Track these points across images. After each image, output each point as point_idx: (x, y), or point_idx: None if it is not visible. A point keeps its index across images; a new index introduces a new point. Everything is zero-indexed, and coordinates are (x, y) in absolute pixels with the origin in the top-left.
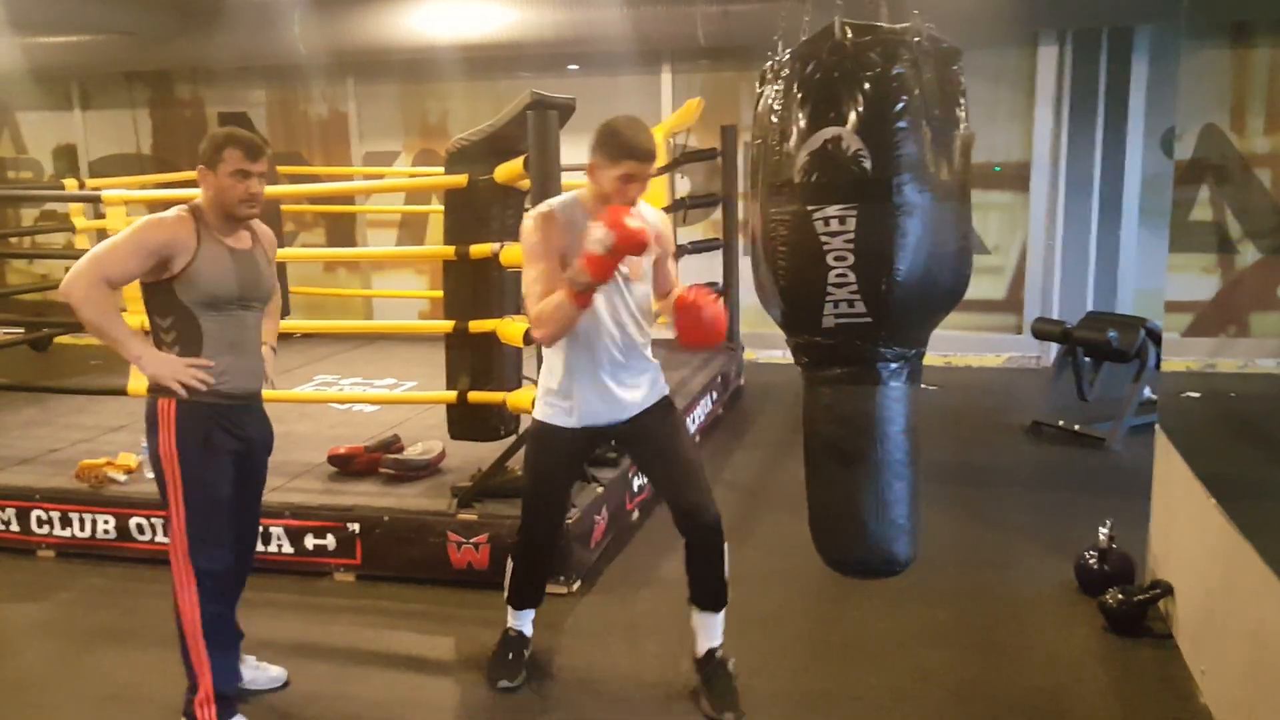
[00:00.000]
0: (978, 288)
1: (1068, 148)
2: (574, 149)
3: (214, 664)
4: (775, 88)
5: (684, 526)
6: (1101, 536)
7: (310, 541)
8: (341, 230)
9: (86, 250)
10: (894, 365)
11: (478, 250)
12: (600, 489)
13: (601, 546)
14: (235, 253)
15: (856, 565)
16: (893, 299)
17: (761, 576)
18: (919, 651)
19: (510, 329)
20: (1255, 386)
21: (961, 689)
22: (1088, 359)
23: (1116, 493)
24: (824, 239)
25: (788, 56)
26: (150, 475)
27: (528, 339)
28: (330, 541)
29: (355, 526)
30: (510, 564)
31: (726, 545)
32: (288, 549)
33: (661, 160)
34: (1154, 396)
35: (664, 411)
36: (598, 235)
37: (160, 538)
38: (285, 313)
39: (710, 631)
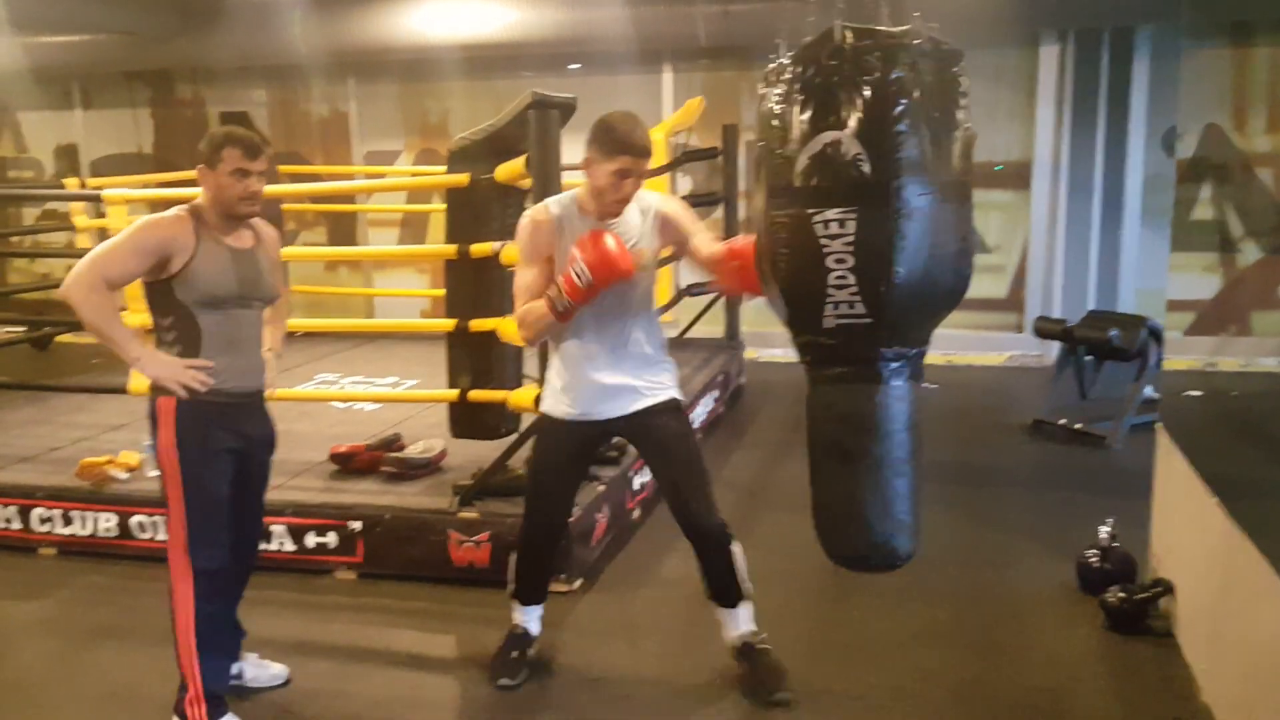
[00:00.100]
0: (979, 286)
1: (1069, 147)
2: (575, 148)
3: (204, 663)
4: (777, 90)
5: (686, 532)
6: (1102, 535)
7: (311, 539)
8: (343, 229)
9: (87, 249)
10: (895, 364)
11: (479, 249)
12: (601, 487)
13: (602, 545)
14: (235, 252)
15: (858, 560)
16: (892, 300)
17: (761, 576)
18: (919, 651)
19: (511, 328)
20: (1256, 385)
21: (962, 688)
22: (1089, 358)
23: (1117, 492)
24: (824, 241)
25: (789, 59)
26: (152, 473)
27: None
28: (331, 539)
29: (357, 525)
30: (513, 557)
31: (737, 545)
32: (289, 547)
33: (663, 160)
34: (1155, 395)
35: (670, 414)
36: (577, 268)
37: (161, 536)
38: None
39: (736, 623)
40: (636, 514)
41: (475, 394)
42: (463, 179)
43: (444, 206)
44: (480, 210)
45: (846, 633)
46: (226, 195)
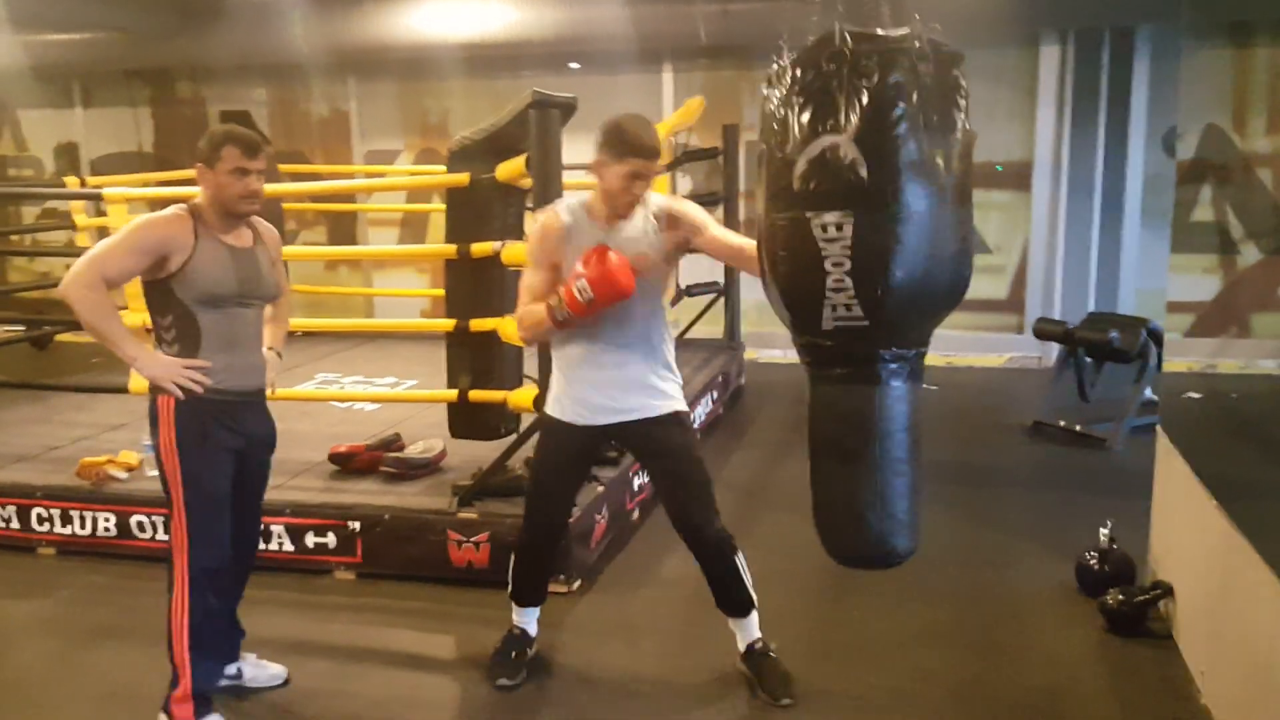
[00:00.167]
0: (979, 287)
1: (1069, 147)
2: (575, 148)
3: (195, 663)
4: (777, 93)
5: (688, 543)
6: (1102, 537)
7: (311, 539)
8: (343, 229)
9: (88, 248)
10: (893, 365)
11: (479, 249)
12: (600, 488)
13: (602, 546)
14: (235, 250)
15: (858, 559)
16: (889, 304)
17: (761, 576)
18: (919, 651)
19: (511, 327)
20: (1256, 387)
21: (961, 689)
22: (1089, 359)
23: (1117, 493)
24: (822, 245)
25: (788, 62)
26: (152, 473)
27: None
28: (331, 539)
29: (356, 525)
30: (513, 558)
31: (740, 557)
32: (288, 547)
33: (663, 159)
34: (1155, 397)
35: (673, 426)
36: (579, 285)
37: (161, 535)
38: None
39: (745, 631)
40: (635, 515)
41: (475, 394)
42: (463, 178)
43: (444, 206)
44: (481, 210)
45: (846, 633)
46: (226, 194)
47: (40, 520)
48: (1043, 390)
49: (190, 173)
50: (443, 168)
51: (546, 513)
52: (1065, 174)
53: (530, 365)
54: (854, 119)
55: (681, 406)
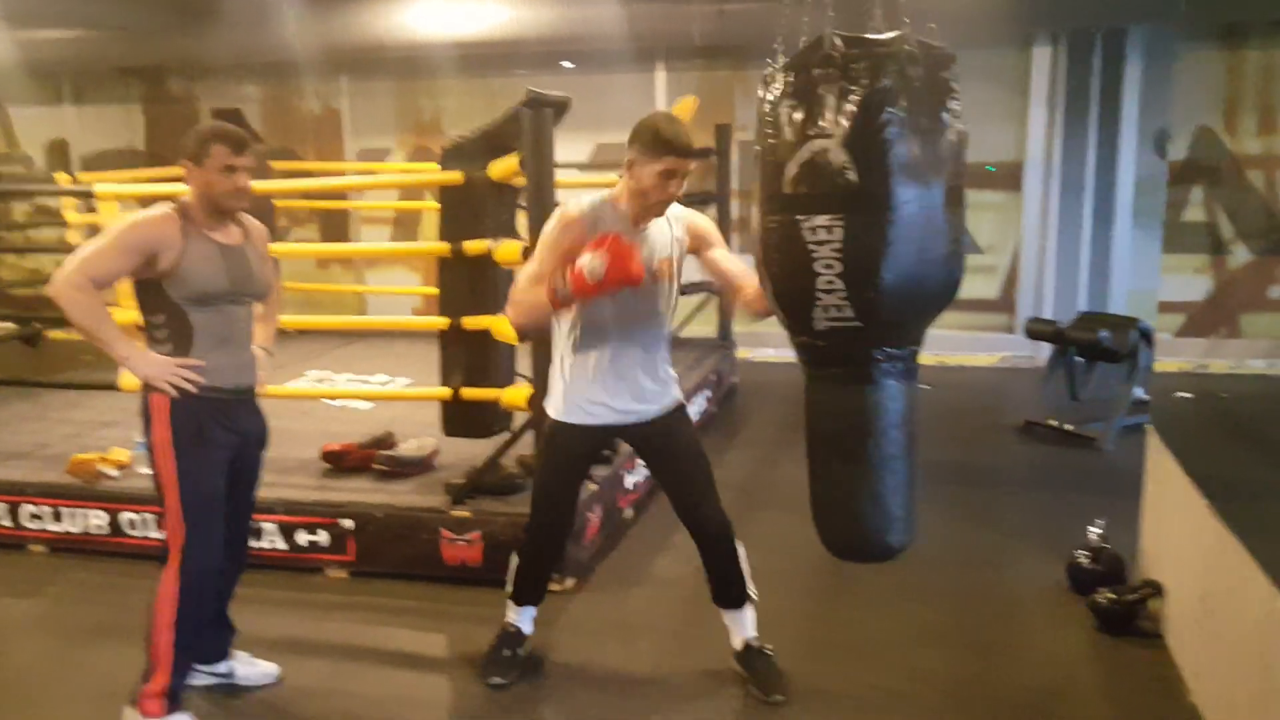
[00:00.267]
0: (971, 287)
1: (1061, 148)
2: (568, 146)
3: (175, 661)
4: (770, 97)
5: (695, 534)
6: (1093, 536)
7: (303, 538)
8: (335, 226)
9: (78, 245)
10: (886, 365)
11: (472, 247)
12: (594, 487)
13: (595, 544)
14: (224, 248)
15: (852, 552)
16: (880, 305)
17: (756, 576)
18: (913, 651)
19: (505, 326)
20: (1247, 387)
21: (955, 688)
22: (1080, 359)
23: (1108, 492)
24: (812, 248)
25: (780, 67)
26: (143, 471)
27: (522, 336)
28: (323, 538)
29: (348, 523)
30: (516, 559)
31: (741, 546)
32: (280, 545)
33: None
34: (1146, 397)
35: (678, 419)
36: (592, 264)
37: (153, 533)
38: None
39: (740, 625)
40: (629, 513)
41: (468, 392)
42: (456, 177)
43: (437, 204)
44: (474, 208)
45: (840, 632)
46: (214, 191)
47: (31, 518)
48: (1034, 390)
49: (182, 170)
50: (435, 166)
51: (555, 516)
52: (1057, 174)
53: (524, 364)
54: (843, 124)
55: (682, 397)
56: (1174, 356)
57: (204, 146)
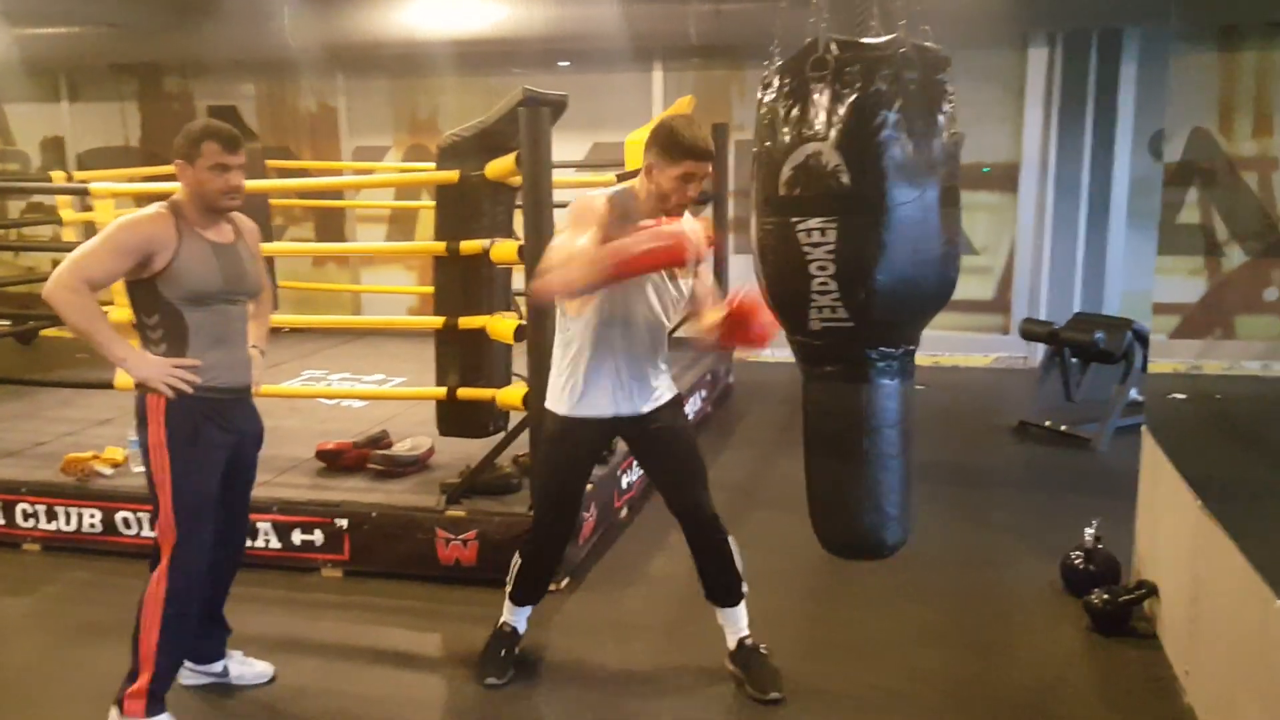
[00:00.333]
0: (966, 288)
1: (1057, 149)
2: (564, 145)
3: (160, 662)
4: (766, 99)
5: (686, 524)
6: (1087, 537)
7: (298, 537)
8: (331, 225)
9: (74, 243)
10: (881, 364)
11: (469, 246)
12: (590, 486)
13: (590, 544)
14: (218, 247)
15: (848, 549)
16: (873, 306)
17: (752, 575)
18: (911, 651)
19: (500, 325)
20: (1241, 388)
21: (953, 689)
22: (1075, 360)
23: (1102, 493)
24: (806, 249)
25: (775, 70)
26: (137, 469)
27: (518, 335)
28: (318, 537)
29: (343, 522)
30: (518, 559)
31: (733, 539)
32: (275, 544)
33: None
34: (1140, 398)
35: (676, 409)
36: (656, 242)
37: (147, 532)
38: (274, 306)
39: (734, 624)
40: (624, 513)
41: (463, 392)
42: (453, 176)
43: (433, 203)
44: (470, 207)
45: (838, 632)
46: (206, 190)
47: (25, 516)
48: (1029, 390)
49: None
50: (431, 164)
51: (562, 513)
52: (1052, 175)
53: (519, 364)
54: (836, 126)
55: (677, 390)
56: (1168, 358)
57: (196, 145)
